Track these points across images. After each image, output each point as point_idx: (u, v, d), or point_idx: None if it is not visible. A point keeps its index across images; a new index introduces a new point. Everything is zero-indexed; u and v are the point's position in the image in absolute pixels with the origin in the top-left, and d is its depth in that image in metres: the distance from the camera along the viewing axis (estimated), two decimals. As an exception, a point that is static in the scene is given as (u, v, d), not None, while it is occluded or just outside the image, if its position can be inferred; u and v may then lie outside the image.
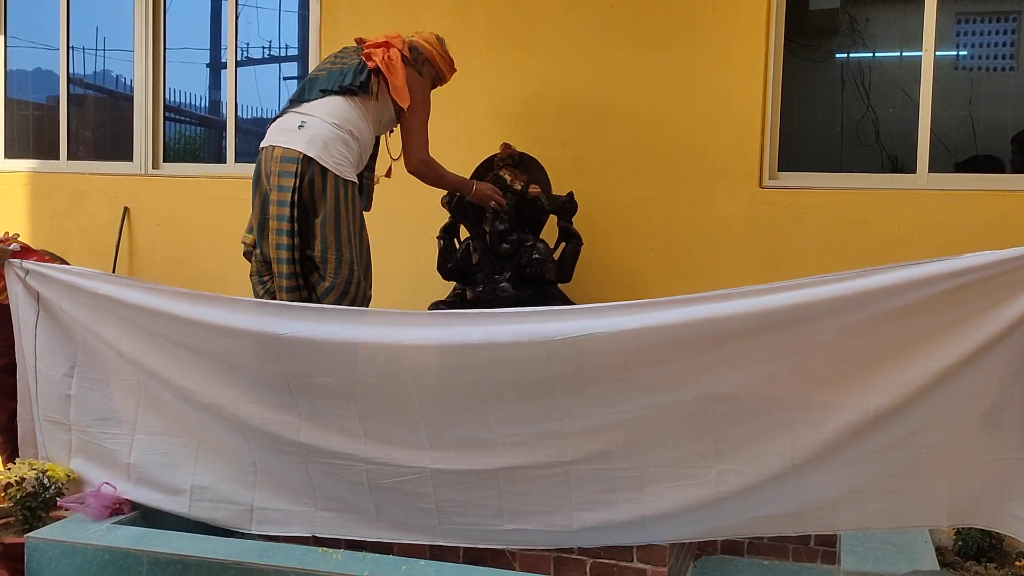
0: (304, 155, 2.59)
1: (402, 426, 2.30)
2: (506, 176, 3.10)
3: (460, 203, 3.14)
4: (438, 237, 3.21)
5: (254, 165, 2.74)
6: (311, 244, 2.65)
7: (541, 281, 3.00)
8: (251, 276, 2.78)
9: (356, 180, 2.74)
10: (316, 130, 2.62)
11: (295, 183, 2.58)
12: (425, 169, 2.87)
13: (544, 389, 2.16)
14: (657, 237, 3.38)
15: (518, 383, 2.18)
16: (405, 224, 3.62)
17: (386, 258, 3.37)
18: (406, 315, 2.34)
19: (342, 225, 2.66)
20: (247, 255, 2.80)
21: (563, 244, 3.12)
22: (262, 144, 2.72)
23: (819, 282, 1.99)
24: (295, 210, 2.60)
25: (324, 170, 2.61)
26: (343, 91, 2.67)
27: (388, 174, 2.91)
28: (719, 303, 2.02)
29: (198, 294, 2.52)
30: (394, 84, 2.73)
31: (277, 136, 2.66)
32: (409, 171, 2.87)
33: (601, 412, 2.16)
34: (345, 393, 2.33)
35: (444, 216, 3.23)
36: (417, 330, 2.26)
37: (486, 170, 3.21)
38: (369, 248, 2.82)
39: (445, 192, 3.17)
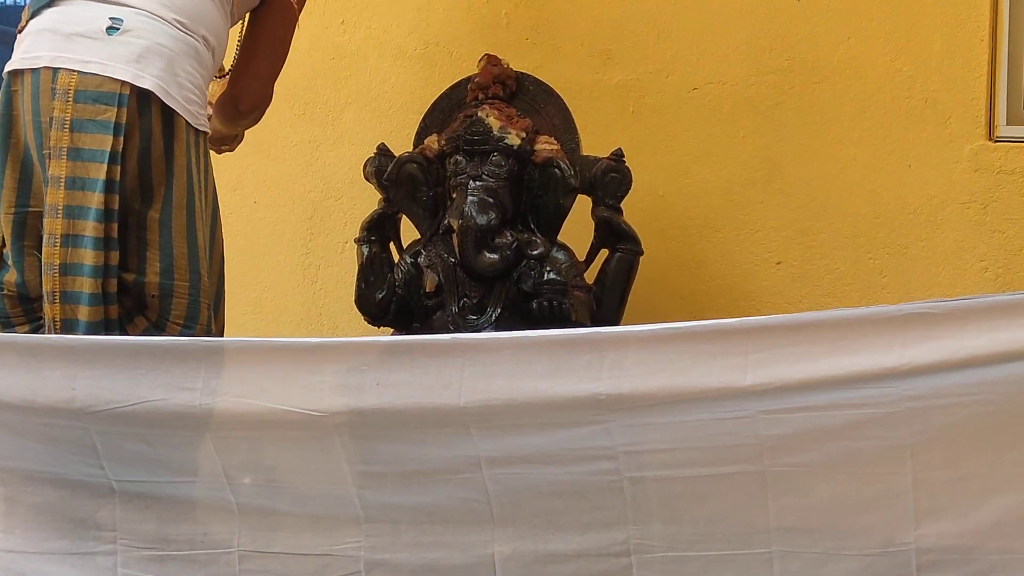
0: (134, 87, 2.35)
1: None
2: (490, 119, 2.80)
3: (402, 175, 2.86)
4: (359, 240, 2.92)
5: None
6: (133, 261, 2.42)
7: (559, 324, 2.70)
8: None
9: (208, 129, 2.56)
10: (146, 36, 2.40)
11: (114, 143, 2.33)
12: (266, 105, 2.76)
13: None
14: (793, 239, 3.13)
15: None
16: (291, 215, 3.45)
17: (255, 279, 3.38)
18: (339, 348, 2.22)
19: (196, 219, 2.49)
20: None
21: (604, 251, 2.88)
22: (20, 63, 2.44)
23: None
24: (114, 195, 2.36)
25: (170, 115, 2.40)
26: None
27: None
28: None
29: None
30: None
31: (60, 46, 2.41)
32: (250, 106, 2.75)
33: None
34: (229, 506, 2.19)
35: (362, 201, 2.97)
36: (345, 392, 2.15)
37: (454, 107, 2.94)
38: (223, 260, 2.62)
39: (374, 152, 2.92)
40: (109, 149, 2.36)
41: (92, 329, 2.38)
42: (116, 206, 2.37)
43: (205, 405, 2.15)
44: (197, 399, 2.15)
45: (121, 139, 2.37)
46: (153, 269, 2.43)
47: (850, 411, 1.97)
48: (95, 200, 2.35)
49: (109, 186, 2.36)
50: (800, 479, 2.04)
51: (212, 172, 2.59)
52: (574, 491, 2.11)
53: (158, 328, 2.45)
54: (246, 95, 2.74)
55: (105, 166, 2.35)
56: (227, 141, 2.90)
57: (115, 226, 2.38)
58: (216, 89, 2.90)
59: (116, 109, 2.36)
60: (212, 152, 2.99)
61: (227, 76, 2.89)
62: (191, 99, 2.45)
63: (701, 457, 2.05)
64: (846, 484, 2.03)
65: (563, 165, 2.78)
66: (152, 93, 2.38)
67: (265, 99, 2.76)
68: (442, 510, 2.14)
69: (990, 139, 3.05)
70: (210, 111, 2.84)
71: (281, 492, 2.24)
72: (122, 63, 2.38)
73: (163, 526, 2.24)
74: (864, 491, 2.01)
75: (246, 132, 3.01)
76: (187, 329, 2.47)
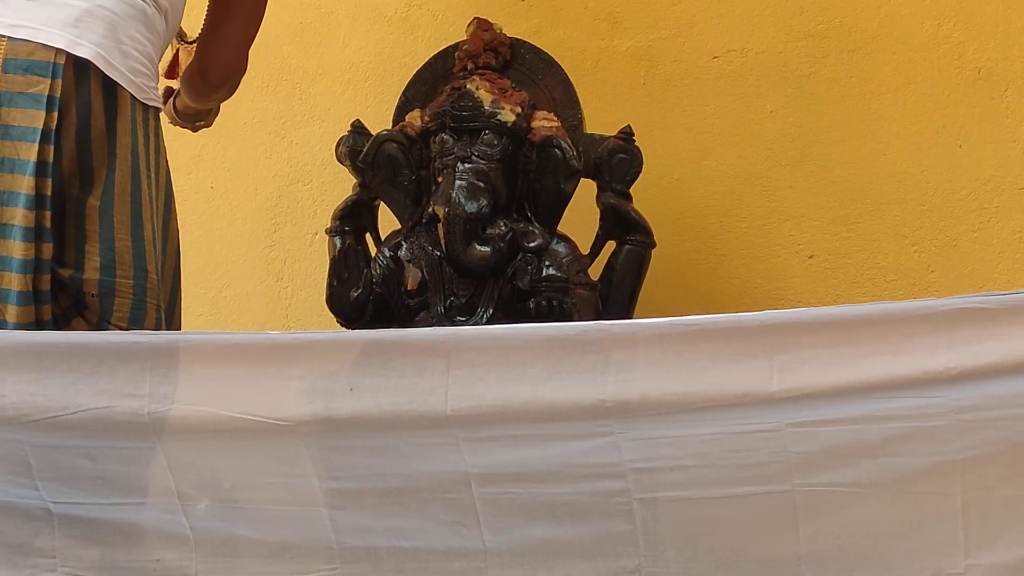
0: (70, 55, 2.33)
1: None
2: (481, 92, 2.82)
3: (380, 156, 2.89)
4: (331, 231, 2.95)
5: None
6: (70, 255, 2.39)
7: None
8: None
9: (161, 104, 2.53)
10: None
11: (47, 119, 2.32)
12: (239, 76, 2.77)
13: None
14: (827, 229, 3.14)
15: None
16: (253, 202, 3.47)
17: (212, 276, 3.42)
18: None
19: (144, 208, 2.47)
20: None
21: (611, 244, 2.89)
22: None
23: None
24: (46, 179, 2.34)
25: (113, 88, 2.36)
26: None
27: (172, 73, 2.79)
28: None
29: None
30: None
31: None
32: (220, 77, 2.75)
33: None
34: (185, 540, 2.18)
35: (335, 185, 2.99)
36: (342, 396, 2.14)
37: (439, 78, 2.96)
38: (178, 254, 2.61)
39: (348, 130, 2.96)
40: (41, 126, 2.33)
41: (22, 328, 2.34)
42: (49, 191, 2.35)
43: (154, 413, 2.13)
44: (144, 406, 2.13)
45: (55, 115, 2.35)
46: (92, 264, 2.41)
47: (891, 424, 1.97)
48: (25, 184, 2.32)
49: (41, 168, 2.33)
50: (834, 500, 2.02)
51: (165, 154, 2.57)
52: (576, 513, 2.09)
53: (97, 327, 2.41)
54: (216, 65, 2.74)
55: (36, 146, 2.32)
56: (201, 116, 2.93)
57: (48, 214, 2.36)
58: (185, 59, 2.89)
59: (50, 81, 2.34)
60: (187, 130, 3.01)
61: (195, 44, 2.87)
62: (137, 69, 2.42)
63: (721, 475, 2.05)
64: (887, 506, 2.01)
65: (564, 145, 2.76)
66: (91, 63, 2.36)
67: (237, 69, 2.75)
68: (427, 534, 2.12)
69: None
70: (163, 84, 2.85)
71: (242, 514, 2.21)
72: (57, 28, 2.34)
73: (110, 552, 2.23)
74: (908, 514, 2.00)
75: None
76: (138, 326, 2.44)
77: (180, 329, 2.64)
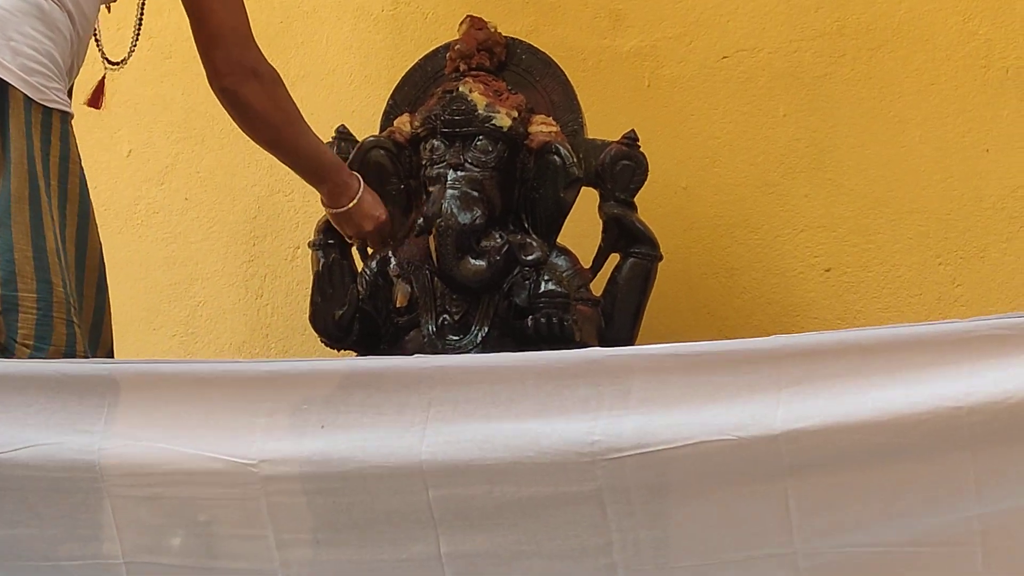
0: None
1: None
2: (474, 95, 2.81)
3: (367, 164, 2.88)
4: (314, 245, 2.94)
5: None
6: None
7: (559, 345, 2.69)
8: None
9: (69, 108, 2.54)
10: None
11: None
12: (259, 87, 2.73)
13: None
14: (845, 240, 3.13)
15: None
16: (230, 214, 3.47)
17: (185, 294, 3.44)
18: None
19: (44, 216, 2.47)
20: None
21: (614, 257, 2.88)
22: None
23: None
24: None
25: (2, 87, 2.41)
26: None
27: (95, 102, 2.78)
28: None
29: None
30: None
31: None
32: (221, 88, 2.74)
33: None
34: None
35: (317, 196, 2.96)
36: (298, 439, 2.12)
37: (429, 80, 2.96)
38: (102, 267, 2.60)
39: (332, 136, 2.94)
40: None
41: None
42: None
43: (104, 452, 2.11)
44: (96, 443, 2.11)
45: None
46: None
47: (904, 489, 1.94)
48: None
49: None
50: (842, 561, 2.00)
51: (78, 161, 2.56)
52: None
53: (5, 351, 2.41)
54: (216, 38, 2.66)
55: None
56: (342, 190, 2.76)
57: None
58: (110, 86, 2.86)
59: None
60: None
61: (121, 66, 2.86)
62: (32, 68, 2.41)
63: (718, 542, 2.02)
64: (901, 565, 1.99)
65: (563, 151, 2.75)
66: None
67: (251, 70, 2.68)
68: None
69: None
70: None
71: (196, 570, 2.17)
72: None
73: None
74: (922, 572, 1.97)
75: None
76: (37, 352, 2.43)
77: (111, 350, 2.62)
